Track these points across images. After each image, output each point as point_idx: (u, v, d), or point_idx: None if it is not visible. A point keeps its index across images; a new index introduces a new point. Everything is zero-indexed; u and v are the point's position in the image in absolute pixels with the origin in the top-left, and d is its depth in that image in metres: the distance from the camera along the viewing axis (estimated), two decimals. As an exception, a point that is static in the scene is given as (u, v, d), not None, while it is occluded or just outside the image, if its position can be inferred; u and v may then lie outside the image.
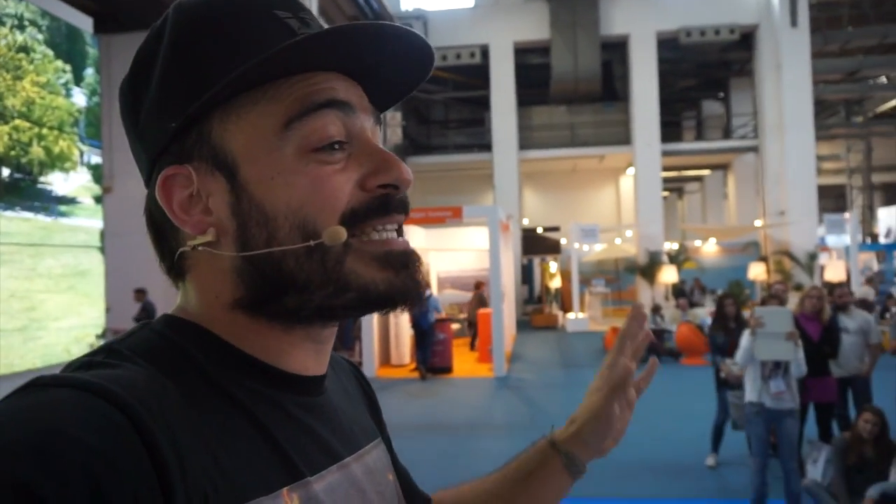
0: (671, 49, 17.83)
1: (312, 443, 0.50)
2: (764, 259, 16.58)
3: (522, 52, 18.65)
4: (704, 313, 12.28)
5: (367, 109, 0.52)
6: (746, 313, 5.19)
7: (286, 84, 0.47)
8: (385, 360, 10.54)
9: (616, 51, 18.56)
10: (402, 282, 0.49)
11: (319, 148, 0.47)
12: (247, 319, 0.49)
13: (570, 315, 15.87)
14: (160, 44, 0.49)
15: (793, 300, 8.10)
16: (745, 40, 17.74)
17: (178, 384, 0.43)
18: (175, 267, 0.51)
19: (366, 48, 0.49)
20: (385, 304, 0.49)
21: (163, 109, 0.48)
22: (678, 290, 16.24)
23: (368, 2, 14.98)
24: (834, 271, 13.67)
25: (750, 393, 4.22)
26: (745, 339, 4.21)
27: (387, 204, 0.49)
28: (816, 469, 4.28)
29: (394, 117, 17.49)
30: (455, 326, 11.67)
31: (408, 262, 0.50)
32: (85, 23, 5.82)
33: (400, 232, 0.52)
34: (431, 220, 10.75)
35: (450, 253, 13.78)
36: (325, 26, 0.49)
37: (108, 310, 5.77)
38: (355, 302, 0.48)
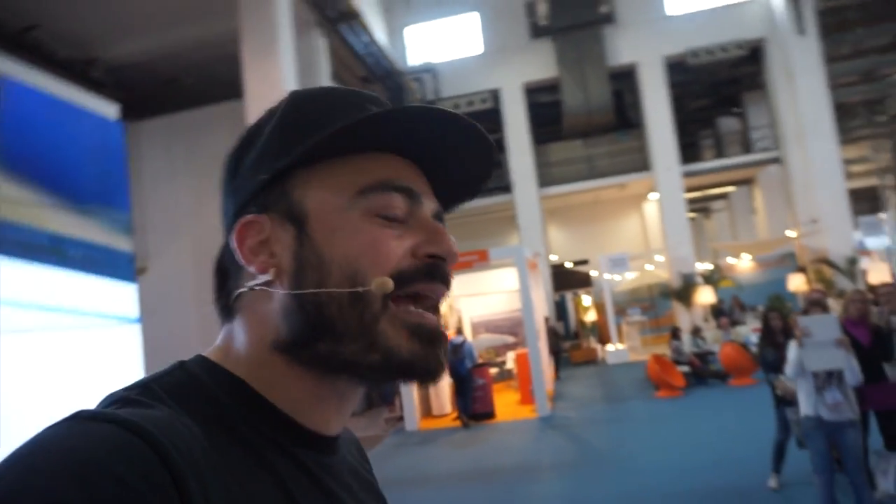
0: (681, 71, 17.91)
1: (327, 500, 0.53)
2: (802, 269, 16.14)
3: (533, 92, 18.92)
4: (748, 331, 11.96)
5: (431, 196, 0.58)
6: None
7: (363, 160, 0.54)
8: (426, 411, 10.41)
9: (625, 80, 18.72)
10: (426, 356, 0.52)
11: (383, 215, 0.53)
12: (283, 363, 0.53)
13: (610, 347, 15.57)
14: (271, 119, 0.56)
15: (835, 307, 7.84)
16: (755, 54, 17.73)
17: (204, 429, 0.46)
18: (229, 308, 0.56)
19: (429, 127, 0.54)
20: (406, 373, 0.52)
21: (259, 166, 0.55)
22: (717, 310, 15.85)
23: (379, 61, 15.46)
24: (877, 273, 13.24)
25: (805, 407, 4.04)
26: (793, 350, 4.07)
27: (433, 272, 0.54)
28: (888, 480, 4.05)
29: (412, 169, 17.76)
30: (493, 370, 11.52)
31: (436, 340, 0.53)
32: (111, 110, 6.09)
33: (436, 311, 0.56)
34: (458, 265, 10.56)
35: (481, 297, 13.72)
36: None
37: None
38: (379, 364, 0.51)
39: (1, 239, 2.75)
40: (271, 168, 0.54)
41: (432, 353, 0.53)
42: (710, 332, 13.02)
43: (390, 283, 0.51)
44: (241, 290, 0.55)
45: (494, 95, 18.65)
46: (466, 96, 18.55)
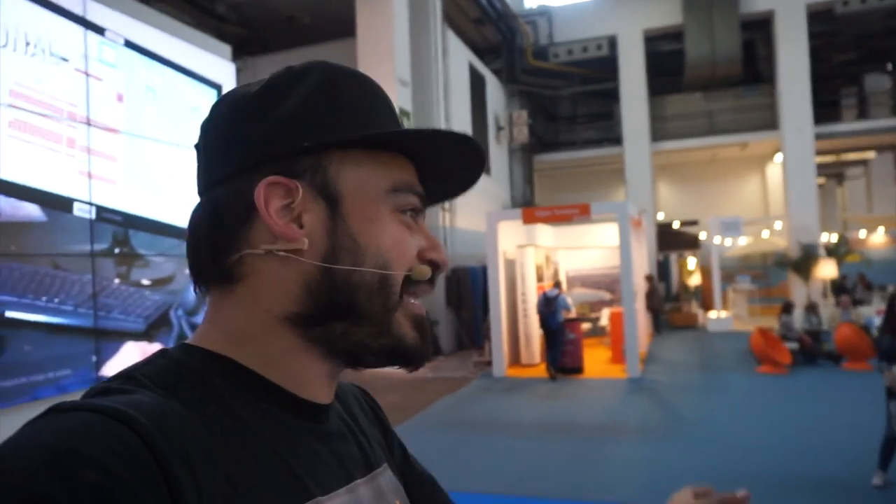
0: (825, 21, 16.15)
1: (322, 466, 0.53)
2: (946, 250, 14.54)
3: (653, 40, 17.78)
4: (871, 312, 11.00)
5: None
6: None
7: (385, 157, 0.56)
8: (515, 359, 10.49)
9: (759, 29, 17.15)
10: (424, 346, 0.57)
11: (403, 210, 0.57)
12: (289, 337, 0.53)
13: (712, 314, 14.88)
14: (302, 80, 0.55)
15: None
16: (917, 3, 15.65)
17: (193, 408, 0.46)
18: (225, 270, 0.53)
19: (449, 150, 0.59)
20: (406, 359, 0.56)
21: (298, 128, 0.53)
22: (839, 287, 14.68)
23: (491, 2, 15.03)
24: None
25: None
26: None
27: (433, 277, 0.58)
28: None
29: (520, 115, 17.37)
30: (585, 326, 11.37)
31: (428, 330, 0.58)
32: (224, 51, 6.55)
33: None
34: (558, 217, 10.56)
35: (580, 250, 13.46)
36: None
37: None
38: (387, 349, 0.55)
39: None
40: (317, 136, 0.53)
41: (427, 342, 0.57)
42: (828, 309, 12.10)
43: (428, 272, 0.56)
44: (254, 251, 0.52)
45: (611, 42, 17.69)
46: (581, 42, 17.73)
